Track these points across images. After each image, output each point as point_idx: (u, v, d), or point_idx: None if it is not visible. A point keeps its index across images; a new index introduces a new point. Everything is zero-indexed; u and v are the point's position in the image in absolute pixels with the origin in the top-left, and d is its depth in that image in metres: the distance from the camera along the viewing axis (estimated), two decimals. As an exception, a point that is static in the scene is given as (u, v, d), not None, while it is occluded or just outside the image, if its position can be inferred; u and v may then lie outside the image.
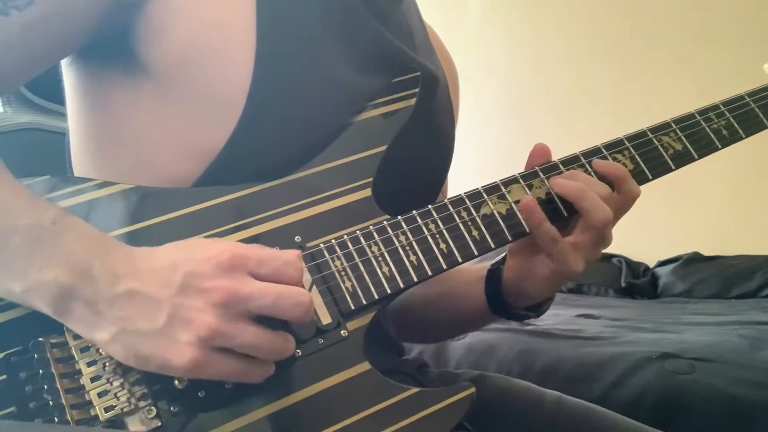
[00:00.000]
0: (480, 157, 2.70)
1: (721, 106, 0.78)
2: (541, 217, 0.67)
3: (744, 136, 0.78)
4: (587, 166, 0.72)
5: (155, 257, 0.53)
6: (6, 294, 0.54)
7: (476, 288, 0.81)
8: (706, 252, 2.51)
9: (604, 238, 0.69)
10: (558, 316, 1.87)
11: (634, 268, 2.58)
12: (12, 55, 0.58)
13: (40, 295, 0.52)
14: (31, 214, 0.53)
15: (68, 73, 0.71)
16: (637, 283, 2.46)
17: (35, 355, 0.54)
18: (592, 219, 0.66)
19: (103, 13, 0.61)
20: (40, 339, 0.55)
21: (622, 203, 0.70)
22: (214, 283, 0.51)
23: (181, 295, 0.51)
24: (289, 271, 0.54)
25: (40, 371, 0.54)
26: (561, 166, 0.72)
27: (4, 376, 0.54)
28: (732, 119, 0.78)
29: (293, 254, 0.55)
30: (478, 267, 0.82)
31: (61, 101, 0.75)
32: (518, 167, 0.72)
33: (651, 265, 2.61)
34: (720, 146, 0.76)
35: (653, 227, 2.71)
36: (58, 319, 0.53)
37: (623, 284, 2.46)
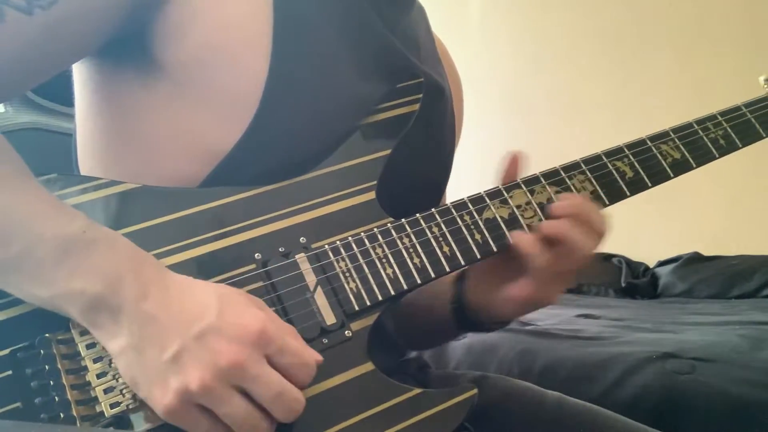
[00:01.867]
0: (481, 157, 2.69)
1: (719, 117, 0.80)
2: (530, 242, 0.67)
3: (741, 146, 0.79)
4: (588, 173, 0.72)
5: (189, 293, 0.54)
6: (32, 299, 0.54)
7: (441, 305, 0.80)
8: (706, 252, 2.50)
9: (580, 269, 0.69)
10: (558, 316, 1.86)
11: (634, 268, 2.58)
12: (34, 54, 0.58)
13: (68, 302, 0.52)
14: (58, 224, 0.53)
15: (80, 71, 0.71)
16: (637, 283, 2.46)
17: (41, 351, 0.55)
18: (582, 250, 0.67)
19: (124, 13, 0.61)
20: (47, 335, 0.55)
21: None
22: (228, 348, 0.51)
23: (194, 341, 0.51)
24: (301, 373, 0.54)
25: (46, 367, 0.54)
26: (562, 172, 0.72)
27: (10, 372, 0.54)
28: (729, 129, 0.79)
29: (313, 358, 0.55)
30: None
31: (62, 101, 0.75)
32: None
33: (651, 265, 2.61)
34: (717, 155, 0.78)
35: (653, 227, 2.71)
36: (82, 323, 0.53)
37: (623, 284, 2.46)
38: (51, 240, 0.52)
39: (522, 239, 0.67)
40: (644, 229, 2.71)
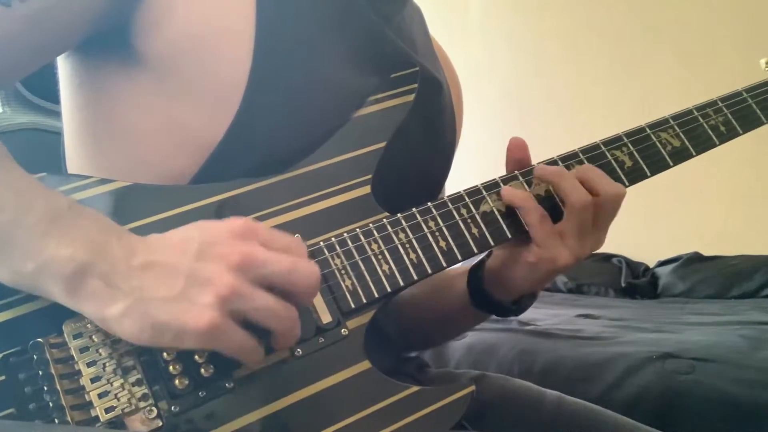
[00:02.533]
0: (479, 156, 2.69)
1: (719, 102, 0.79)
2: (524, 195, 0.66)
3: (741, 132, 0.78)
4: (585, 162, 0.71)
5: (169, 236, 0.54)
6: (15, 276, 0.53)
7: (459, 283, 0.79)
8: (706, 252, 2.51)
9: (588, 230, 0.67)
10: (558, 316, 1.87)
11: (634, 268, 2.58)
12: (14, 47, 0.57)
13: (54, 272, 0.51)
14: (46, 199, 0.53)
15: (64, 67, 0.70)
16: (637, 283, 2.46)
17: (34, 356, 0.54)
18: (571, 200, 0.65)
19: (105, 4, 0.61)
20: (39, 339, 0.54)
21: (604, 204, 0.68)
22: (230, 248, 0.51)
23: (198, 260, 0.51)
24: (297, 246, 0.54)
25: (40, 372, 0.53)
26: (560, 162, 0.71)
27: (3, 377, 0.53)
28: (729, 115, 0.78)
29: (296, 236, 0.56)
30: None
31: (60, 101, 0.75)
32: (517, 166, 0.72)
33: (651, 265, 2.61)
34: (718, 143, 0.77)
35: (653, 227, 2.71)
36: (69, 299, 0.51)
37: (623, 284, 2.46)
38: (40, 209, 0.52)
39: (513, 194, 0.67)
40: (644, 229, 2.71)
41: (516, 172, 0.71)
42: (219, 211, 0.62)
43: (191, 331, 0.49)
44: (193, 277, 0.50)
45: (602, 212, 0.67)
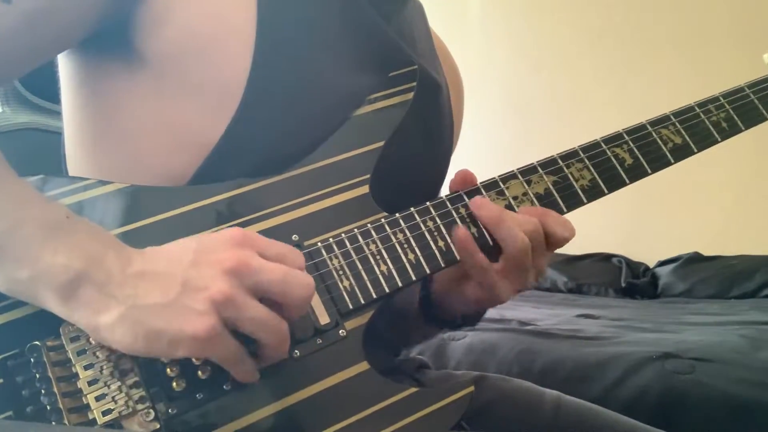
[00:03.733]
0: (479, 156, 2.70)
1: (721, 99, 0.78)
2: (474, 248, 0.65)
3: (744, 128, 0.78)
4: (586, 161, 0.71)
5: (166, 247, 0.54)
6: (10, 284, 0.53)
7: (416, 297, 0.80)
8: (706, 252, 2.51)
9: (527, 268, 0.66)
10: (558, 316, 1.87)
11: (634, 268, 2.58)
12: (14, 43, 0.57)
13: (48, 280, 0.51)
14: (44, 209, 0.53)
15: (64, 65, 0.70)
16: (637, 283, 2.46)
17: (31, 359, 0.54)
18: (508, 249, 0.65)
19: (106, 2, 0.60)
20: (36, 342, 0.54)
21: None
22: (225, 254, 0.51)
23: (193, 268, 0.51)
24: (293, 256, 0.54)
25: (37, 375, 0.53)
26: (560, 160, 0.71)
27: (1, 380, 0.53)
28: (732, 111, 0.77)
29: (293, 248, 0.56)
30: None
31: (59, 101, 0.75)
32: (517, 166, 0.72)
33: (651, 265, 2.61)
34: (720, 139, 0.76)
35: (653, 227, 2.71)
36: (62, 307, 0.51)
37: (623, 284, 2.47)
38: (37, 220, 0.52)
39: (462, 244, 0.65)
40: (644, 229, 2.71)
41: (515, 170, 0.70)
42: (217, 213, 0.62)
43: (188, 337, 0.49)
44: (188, 283, 0.50)
45: (544, 249, 0.67)
